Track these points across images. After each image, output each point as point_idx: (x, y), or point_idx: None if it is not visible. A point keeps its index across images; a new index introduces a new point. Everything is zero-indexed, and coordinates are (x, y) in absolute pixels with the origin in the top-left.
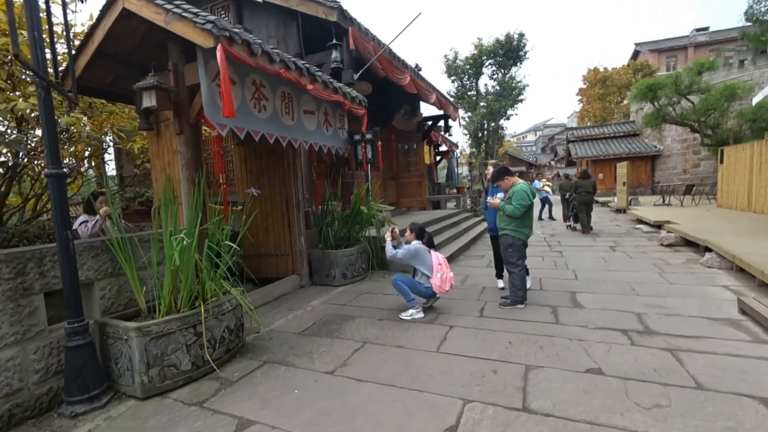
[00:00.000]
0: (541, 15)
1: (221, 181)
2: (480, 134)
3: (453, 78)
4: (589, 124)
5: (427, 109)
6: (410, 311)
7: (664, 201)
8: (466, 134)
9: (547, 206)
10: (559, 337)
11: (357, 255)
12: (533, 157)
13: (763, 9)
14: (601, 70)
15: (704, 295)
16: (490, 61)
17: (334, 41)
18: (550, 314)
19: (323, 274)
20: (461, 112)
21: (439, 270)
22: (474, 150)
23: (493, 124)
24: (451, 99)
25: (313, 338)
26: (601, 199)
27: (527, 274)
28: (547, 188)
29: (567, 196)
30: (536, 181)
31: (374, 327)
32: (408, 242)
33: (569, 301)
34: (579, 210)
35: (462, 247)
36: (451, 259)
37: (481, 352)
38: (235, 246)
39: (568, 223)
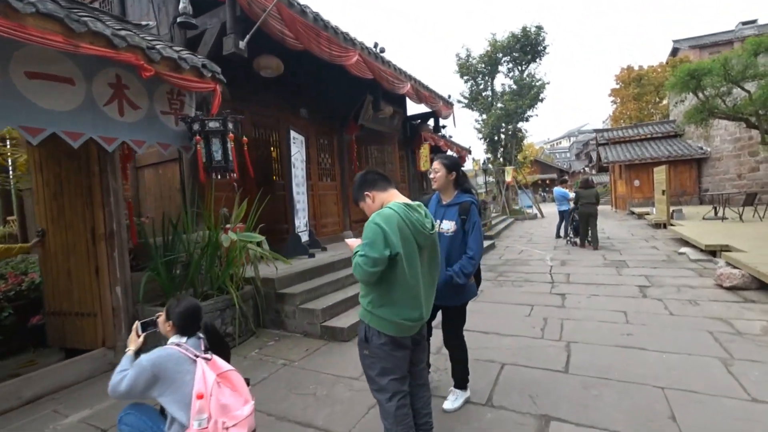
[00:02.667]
0: (578, 18)
1: None
2: (496, 138)
3: (466, 78)
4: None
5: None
6: None
7: (716, 213)
8: (480, 138)
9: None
10: None
11: (215, 313)
12: (567, 163)
13: None
14: (636, 68)
15: None
16: (506, 58)
17: None
18: None
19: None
20: (475, 114)
21: (202, 410)
22: (490, 155)
23: (510, 126)
24: (465, 100)
25: None
26: (637, 211)
27: (464, 384)
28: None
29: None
30: (557, 188)
31: None
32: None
33: None
34: (582, 224)
35: None
36: None
37: None
38: None
39: (568, 237)
